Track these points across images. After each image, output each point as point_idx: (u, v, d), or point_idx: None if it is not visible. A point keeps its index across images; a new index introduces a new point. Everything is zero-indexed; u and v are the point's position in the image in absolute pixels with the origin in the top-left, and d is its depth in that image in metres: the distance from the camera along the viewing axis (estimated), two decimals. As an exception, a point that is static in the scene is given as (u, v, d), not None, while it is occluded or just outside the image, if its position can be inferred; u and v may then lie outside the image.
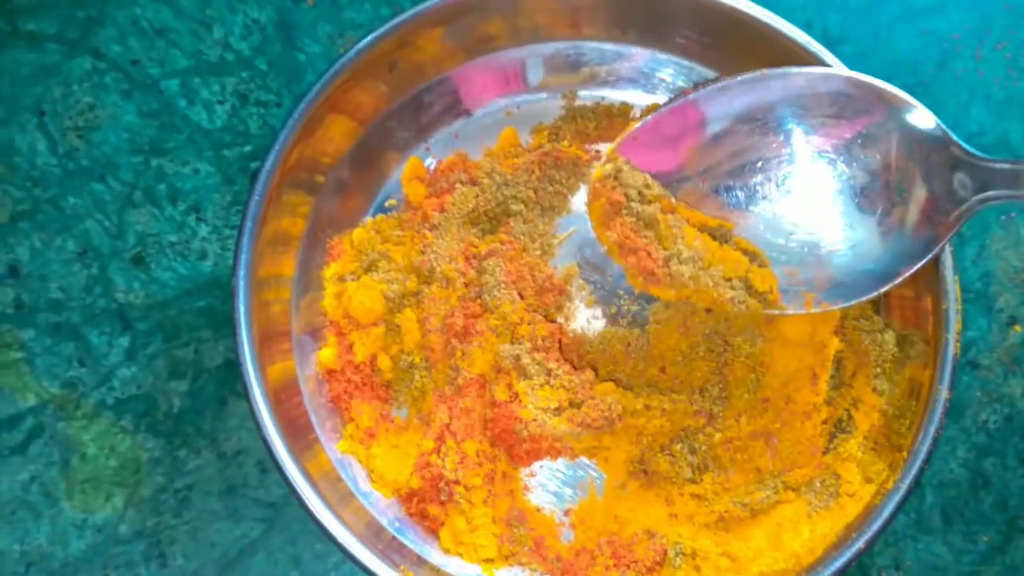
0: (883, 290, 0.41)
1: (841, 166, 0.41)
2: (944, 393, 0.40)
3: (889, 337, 0.43)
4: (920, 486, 0.46)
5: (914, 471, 0.39)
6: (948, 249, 0.41)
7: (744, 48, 0.45)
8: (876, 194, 0.41)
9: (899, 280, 0.40)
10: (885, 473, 0.41)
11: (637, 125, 0.42)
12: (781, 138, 0.41)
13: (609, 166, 0.42)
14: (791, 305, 0.42)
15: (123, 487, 0.45)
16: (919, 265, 0.40)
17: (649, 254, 0.41)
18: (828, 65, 0.42)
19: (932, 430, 0.39)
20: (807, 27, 0.48)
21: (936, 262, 0.41)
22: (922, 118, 0.40)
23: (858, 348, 0.43)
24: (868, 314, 0.44)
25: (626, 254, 0.42)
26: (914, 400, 0.41)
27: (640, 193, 0.42)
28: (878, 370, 0.43)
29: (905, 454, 0.40)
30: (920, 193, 0.40)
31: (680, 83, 0.47)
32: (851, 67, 0.42)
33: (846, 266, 0.42)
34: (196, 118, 0.48)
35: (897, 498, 0.39)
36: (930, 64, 0.50)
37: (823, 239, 0.42)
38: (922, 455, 0.39)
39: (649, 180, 0.42)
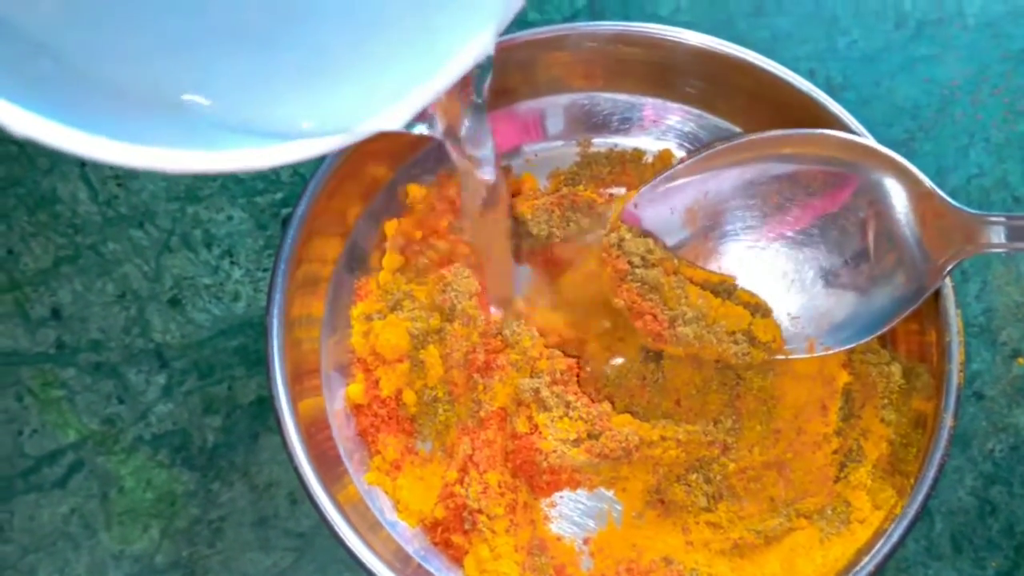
0: (879, 333, 0.43)
1: (835, 218, 0.43)
2: (949, 422, 0.41)
3: (895, 370, 0.44)
4: (929, 513, 0.47)
5: (921, 497, 0.40)
6: (950, 284, 0.42)
7: (750, 97, 0.47)
8: (869, 244, 0.43)
9: (894, 322, 0.43)
10: (894, 499, 0.42)
11: (637, 194, 0.45)
12: (776, 196, 0.44)
13: (613, 236, 0.44)
14: (795, 350, 0.44)
15: (159, 519, 0.47)
16: (910, 309, 0.43)
17: (655, 317, 0.44)
18: (831, 111, 0.44)
19: (938, 457, 0.41)
20: (811, 76, 0.51)
21: (938, 298, 0.42)
22: (911, 176, 0.42)
23: (866, 380, 0.45)
24: (875, 348, 0.45)
25: (635, 317, 0.44)
26: (920, 429, 0.43)
27: (643, 259, 0.44)
28: (885, 401, 0.44)
29: (912, 481, 0.41)
30: (911, 244, 0.42)
31: (688, 130, 0.49)
32: (854, 113, 0.44)
33: (845, 311, 0.44)
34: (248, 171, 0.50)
35: (905, 523, 0.40)
36: (930, 110, 0.52)
37: (822, 287, 0.44)
38: (928, 481, 0.41)
39: (651, 245, 0.44)
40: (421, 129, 0.33)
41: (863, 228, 0.43)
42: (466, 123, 0.35)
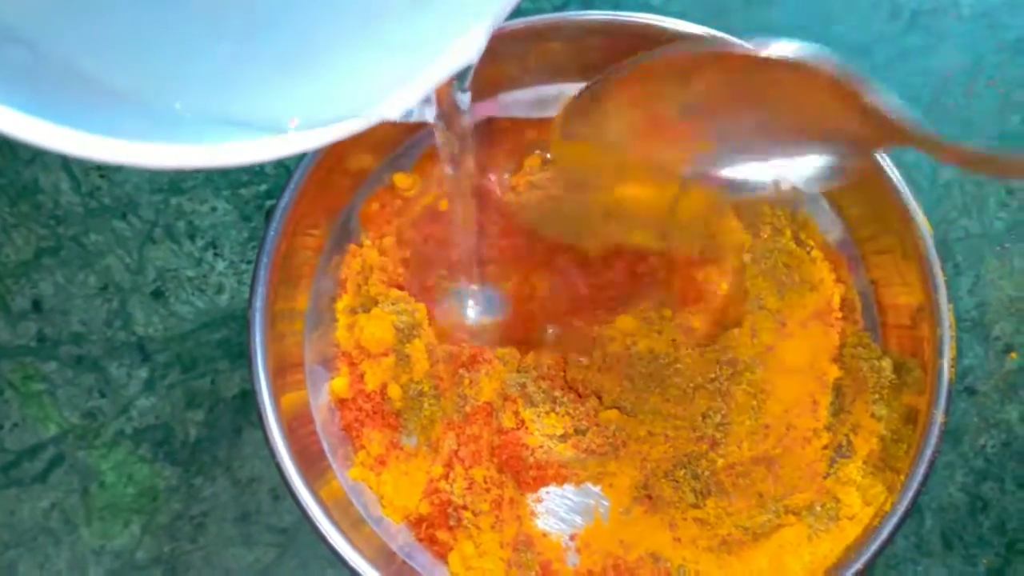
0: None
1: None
2: (939, 417, 0.41)
3: (886, 364, 0.44)
4: (920, 510, 0.47)
5: (911, 493, 0.40)
6: (943, 278, 0.42)
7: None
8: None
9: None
10: (883, 496, 0.41)
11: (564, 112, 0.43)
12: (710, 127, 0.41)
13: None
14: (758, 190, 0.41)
15: (140, 514, 0.46)
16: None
17: None
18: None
19: (928, 453, 0.40)
20: (803, 66, 0.50)
21: (931, 291, 0.42)
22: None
23: (856, 375, 0.44)
24: (866, 342, 0.45)
25: None
26: (911, 425, 0.42)
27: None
28: (876, 396, 0.44)
29: (903, 477, 0.41)
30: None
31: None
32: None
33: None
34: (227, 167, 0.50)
35: (895, 520, 0.40)
36: (924, 101, 0.51)
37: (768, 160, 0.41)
38: (919, 477, 0.40)
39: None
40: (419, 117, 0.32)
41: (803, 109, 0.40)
42: (448, 103, 0.35)
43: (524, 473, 0.44)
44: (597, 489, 0.45)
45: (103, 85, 0.28)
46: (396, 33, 0.30)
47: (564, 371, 0.45)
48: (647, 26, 0.45)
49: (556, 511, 0.45)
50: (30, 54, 0.27)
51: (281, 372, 0.43)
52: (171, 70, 0.29)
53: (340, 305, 0.46)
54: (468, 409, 0.44)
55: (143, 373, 0.48)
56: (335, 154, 0.44)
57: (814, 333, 0.45)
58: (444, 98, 0.35)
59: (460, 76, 0.33)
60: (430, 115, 0.33)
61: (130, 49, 0.29)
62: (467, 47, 0.28)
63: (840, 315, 0.45)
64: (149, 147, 0.26)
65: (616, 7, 0.48)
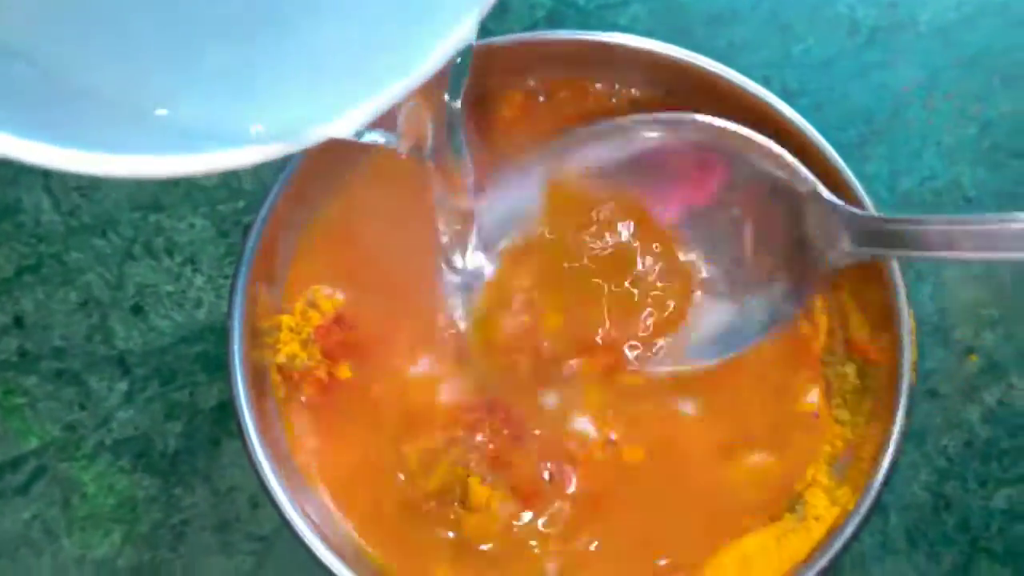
0: (749, 346, 0.43)
1: (707, 214, 0.43)
2: (901, 419, 0.42)
3: (850, 369, 0.45)
4: (885, 509, 0.48)
5: (874, 492, 0.41)
6: (902, 284, 0.43)
7: (707, 104, 0.47)
8: (746, 245, 0.43)
9: (769, 334, 0.43)
10: (848, 495, 0.42)
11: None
12: (636, 178, 0.43)
13: None
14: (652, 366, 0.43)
15: (121, 524, 0.47)
16: (790, 318, 0.43)
17: None
18: (786, 116, 0.44)
19: (890, 453, 0.41)
20: (766, 83, 0.51)
21: (892, 296, 0.43)
22: (791, 169, 0.41)
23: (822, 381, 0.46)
24: (831, 348, 0.46)
25: None
26: (875, 427, 0.43)
27: None
28: (840, 400, 0.45)
29: (866, 477, 0.42)
30: (791, 246, 0.42)
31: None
32: (808, 118, 0.44)
33: (715, 323, 0.44)
34: (192, 176, 0.50)
35: (858, 518, 0.41)
36: (883, 114, 0.53)
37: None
38: (881, 477, 0.41)
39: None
40: (375, 138, 0.30)
41: (738, 227, 0.43)
42: (433, 134, 0.33)
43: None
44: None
45: (93, 97, 0.28)
46: (370, 32, 0.29)
47: None
48: (612, 46, 0.47)
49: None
50: (26, 68, 0.27)
51: (259, 382, 0.44)
52: (166, 81, 0.29)
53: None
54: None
55: (123, 386, 0.48)
56: (310, 169, 0.45)
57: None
58: (419, 123, 0.32)
59: (452, 88, 0.31)
60: (399, 142, 0.32)
61: (123, 53, 0.29)
62: (449, 44, 0.27)
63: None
64: (130, 158, 0.26)
65: (583, 27, 0.50)
